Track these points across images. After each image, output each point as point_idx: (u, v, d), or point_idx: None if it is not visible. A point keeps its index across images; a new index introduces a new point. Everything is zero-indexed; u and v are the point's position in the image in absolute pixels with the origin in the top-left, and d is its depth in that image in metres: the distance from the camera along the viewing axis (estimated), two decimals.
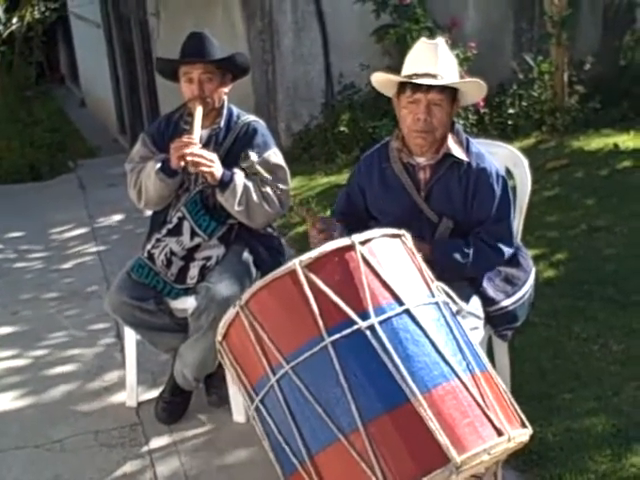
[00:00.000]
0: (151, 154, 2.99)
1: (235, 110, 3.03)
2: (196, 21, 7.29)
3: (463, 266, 2.58)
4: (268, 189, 2.92)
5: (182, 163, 2.79)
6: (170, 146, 2.83)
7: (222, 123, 2.98)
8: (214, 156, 2.84)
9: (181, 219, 2.93)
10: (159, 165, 2.87)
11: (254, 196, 2.88)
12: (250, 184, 2.89)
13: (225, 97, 2.98)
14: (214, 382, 3.15)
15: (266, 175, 2.90)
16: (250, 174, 2.91)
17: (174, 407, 3.11)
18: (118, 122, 10.23)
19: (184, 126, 2.98)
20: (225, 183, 2.85)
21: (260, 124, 3.03)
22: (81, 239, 5.57)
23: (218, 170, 2.83)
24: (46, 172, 8.00)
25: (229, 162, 2.90)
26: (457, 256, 2.57)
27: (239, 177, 2.87)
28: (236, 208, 2.87)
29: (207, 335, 2.78)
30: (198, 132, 2.81)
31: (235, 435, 2.98)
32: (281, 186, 2.97)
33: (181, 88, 2.93)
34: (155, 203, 3.00)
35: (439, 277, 2.20)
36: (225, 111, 2.99)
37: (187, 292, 2.94)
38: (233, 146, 2.96)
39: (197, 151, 2.77)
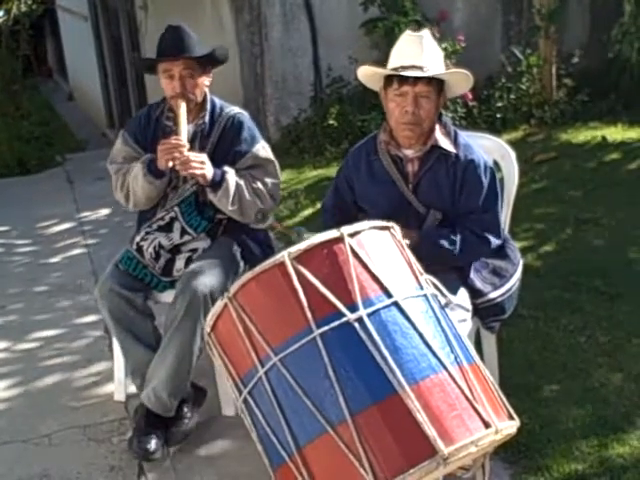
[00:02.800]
0: (134, 153, 2.94)
1: (217, 102, 3.00)
2: (184, 14, 7.25)
3: (450, 253, 2.58)
4: (259, 184, 2.90)
5: (170, 164, 2.75)
6: (157, 148, 2.78)
7: (207, 118, 2.94)
8: (204, 157, 2.80)
9: (173, 219, 2.91)
10: (146, 168, 2.83)
11: (246, 194, 2.86)
12: (242, 182, 2.86)
13: (207, 90, 2.95)
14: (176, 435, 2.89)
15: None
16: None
17: (158, 436, 2.80)
18: (106, 116, 10.19)
19: (166, 122, 2.94)
20: (217, 183, 2.81)
21: (245, 116, 3.01)
22: (69, 233, 5.54)
23: (209, 171, 2.79)
24: (34, 166, 7.96)
25: (217, 156, 2.88)
26: (444, 243, 2.58)
27: (231, 176, 2.84)
28: (230, 208, 2.85)
29: (180, 329, 2.72)
30: (185, 131, 2.78)
31: (223, 428, 2.98)
32: (272, 180, 2.95)
33: (162, 85, 2.88)
34: (144, 204, 2.96)
35: (427, 266, 2.21)
36: (208, 105, 2.95)
37: (173, 285, 2.93)
38: (220, 140, 2.93)
39: (187, 153, 2.74)
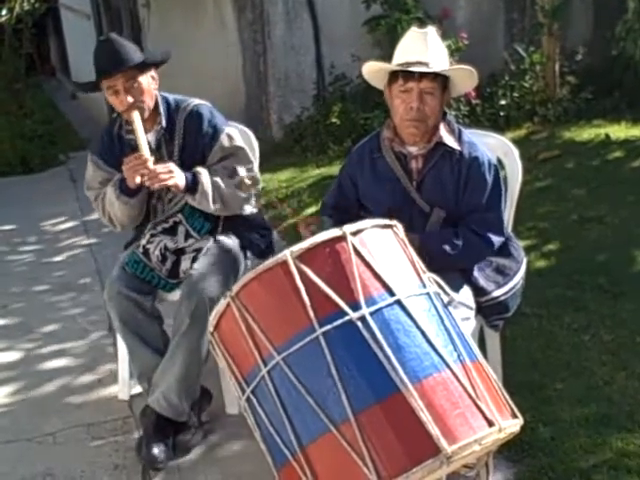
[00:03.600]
0: (108, 175, 2.90)
1: (171, 98, 2.91)
2: (186, 12, 7.26)
3: (452, 257, 2.57)
4: (234, 174, 2.85)
5: (138, 179, 2.68)
6: (122, 167, 2.72)
7: (164, 121, 2.86)
8: (171, 165, 2.74)
9: (177, 223, 2.90)
10: (118, 189, 2.80)
11: (225, 188, 2.82)
12: (217, 178, 2.81)
13: (156, 92, 2.86)
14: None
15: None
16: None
17: (166, 444, 2.79)
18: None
19: (127, 136, 2.86)
20: (191, 188, 2.77)
21: (203, 106, 2.90)
22: (72, 232, 5.55)
23: (180, 179, 2.74)
24: (37, 165, 7.96)
25: (186, 157, 2.83)
26: (446, 247, 2.57)
27: (204, 177, 2.79)
28: (212, 207, 2.81)
29: (188, 335, 2.72)
30: (145, 144, 2.70)
31: (227, 427, 2.98)
32: (245, 166, 2.88)
33: (110, 102, 2.82)
34: (129, 224, 2.94)
35: (429, 267, 2.20)
36: (161, 107, 2.87)
37: (179, 285, 2.93)
38: (185, 140, 2.86)
39: (152, 167, 2.67)
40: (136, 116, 2.72)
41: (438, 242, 2.58)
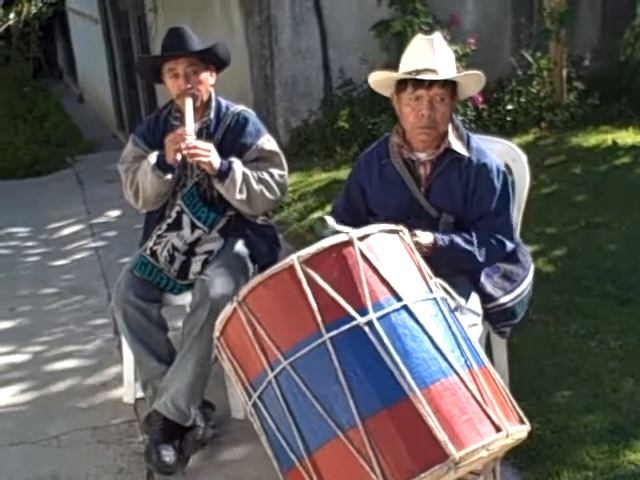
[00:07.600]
0: (145, 153, 2.95)
1: (223, 101, 3.03)
2: (194, 16, 7.27)
3: (469, 253, 2.55)
4: (265, 175, 2.91)
5: (178, 156, 2.77)
6: (164, 141, 2.81)
7: (212, 115, 2.97)
8: (210, 146, 2.83)
9: (180, 213, 2.91)
10: (155, 161, 2.85)
11: (254, 183, 2.87)
12: (248, 172, 2.88)
13: (212, 89, 2.98)
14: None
15: None
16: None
17: (175, 448, 2.76)
18: (116, 118, 10.21)
19: (174, 122, 2.96)
20: (224, 172, 2.83)
21: (250, 113, 3.03)
22: (79, 235, 5.56)
23: (216, 160, 2.82)
24: (44, 168, 7.99)
25: (223, 151, 2.89)
26: (461, 241, 2.55)
27: (237, 165, 2.86)
28: (237, 197, 2.85)
29: (201, 338, 2.71)
30: (191, 125, 2.80)
31: (233, 431, 2.97)
32: (279, 172, 2.95)
33: (167, 86, 2.92)
34: (153, 202, 2.96)
35: (437, 270, 2.19)
36: (213, 103, 2.98)
37: (189, 287, 2.92)
38: (224, 137, 2.95)
39: (193, 142, 2.76)
40: (188, 102, 2.84)
41: (453, 239, 2.55)
